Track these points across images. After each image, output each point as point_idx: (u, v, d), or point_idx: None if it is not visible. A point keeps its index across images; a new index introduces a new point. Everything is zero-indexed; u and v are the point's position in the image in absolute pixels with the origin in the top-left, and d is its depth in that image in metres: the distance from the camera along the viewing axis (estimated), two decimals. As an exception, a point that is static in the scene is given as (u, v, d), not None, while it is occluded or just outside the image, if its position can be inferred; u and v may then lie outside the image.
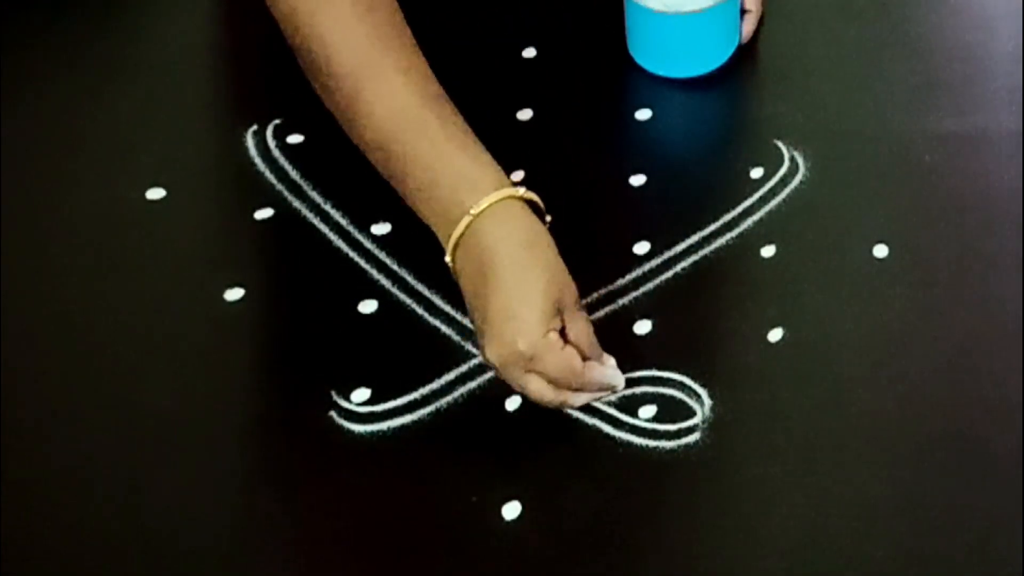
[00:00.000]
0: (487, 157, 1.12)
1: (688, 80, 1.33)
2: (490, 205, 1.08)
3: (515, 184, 1.11)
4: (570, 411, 1.11)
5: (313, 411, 1.12)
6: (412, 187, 1.12)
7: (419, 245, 1.21)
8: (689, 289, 1.19)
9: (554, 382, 1.08)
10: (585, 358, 1.10)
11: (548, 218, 1.12)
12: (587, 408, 1.11)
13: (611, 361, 1.12)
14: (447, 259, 1.10)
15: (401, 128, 1.12)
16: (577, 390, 1.10)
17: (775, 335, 1.15)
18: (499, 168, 1.11)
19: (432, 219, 1.11)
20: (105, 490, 1.08)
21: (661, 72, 1.33)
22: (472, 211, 1.08)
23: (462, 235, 1.08)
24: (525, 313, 1.06)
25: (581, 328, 1.10)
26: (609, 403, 1.11)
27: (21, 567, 1.04)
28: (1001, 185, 1.24)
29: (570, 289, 1.09)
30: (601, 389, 1.11)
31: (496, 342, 1.07)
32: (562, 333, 1.09)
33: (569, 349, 1.08)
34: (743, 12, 1.35)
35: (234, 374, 1.15)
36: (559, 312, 1.08)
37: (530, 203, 1.11)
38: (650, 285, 1.19)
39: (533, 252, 1.08)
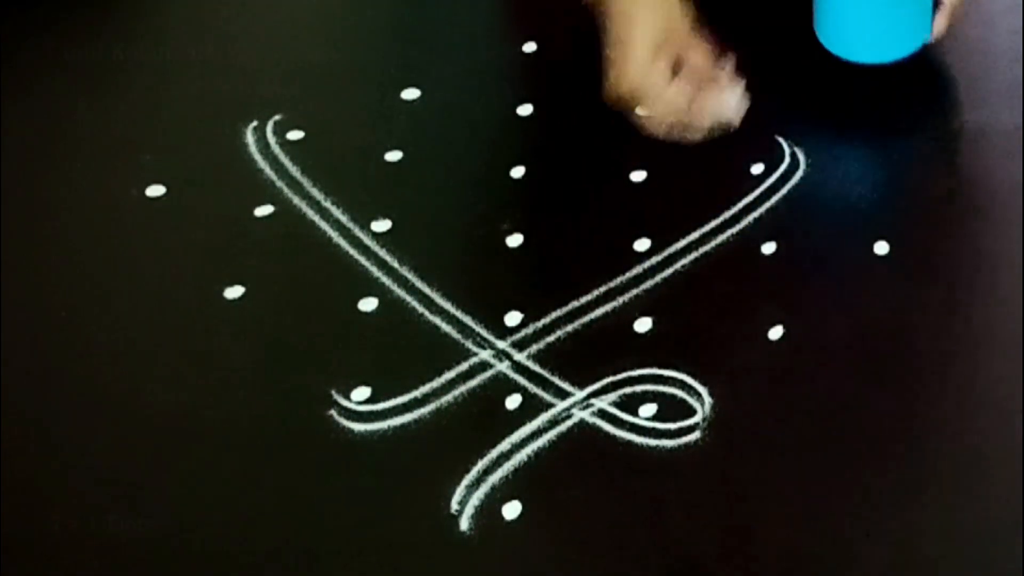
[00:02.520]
0: None
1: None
2: None
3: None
4: (570, 411, 1.11)
5: (313, 410, 1.12)
6: None
7: (420, 242, 1.22)
8: (689, 286, 1.19)
9: (667, 124, 1.18)
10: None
11: None
12: (587, 407, 1.11)
13: (732, 91, 1.22)
14: None
15: None
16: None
17: (776, 333, 1.15)
18: None
19: None
20: (105, 490, 1.08)
21: (846, 56, 1.31)
22: None
23: None
24: (630, 51, 1.17)
25: (694, 58, 1.18)
26: (610, 402, 1.11)
27: (21, 567, 1.04)
28: (1002, 182, 1.24)
29: (683, 27, 1.19)
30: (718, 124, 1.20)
31: (607, 79, 1.19)
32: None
33: (674, 88, 1.17)
34: (936, 4, 1.30)
35: (234, 372, 1.15)
36: (672, 49, 1.17)
37: None
38: (650, 282, 1.19)
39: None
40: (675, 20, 1.20)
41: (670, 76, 1.19)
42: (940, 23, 1.30)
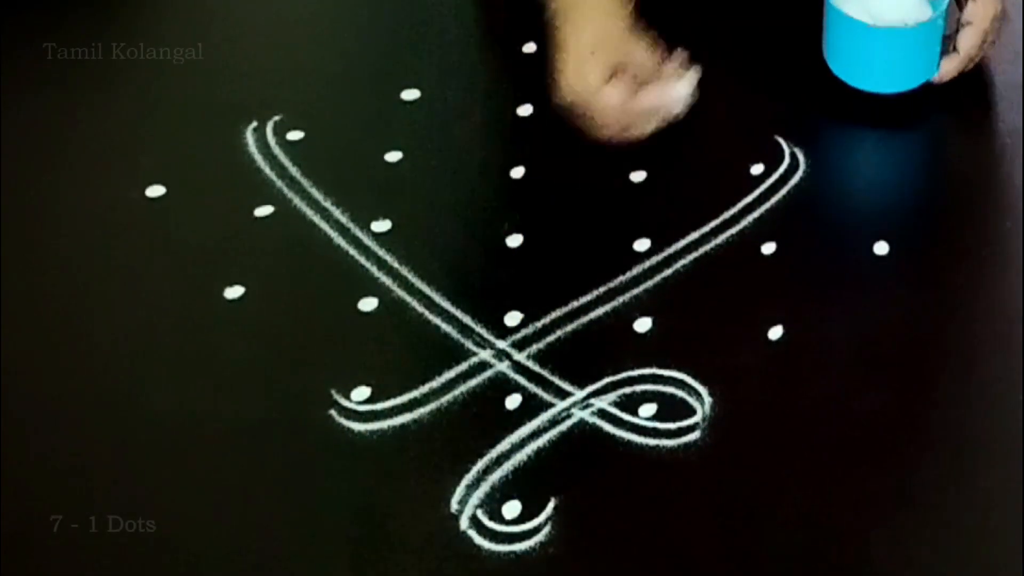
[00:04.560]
0: None
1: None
2: None
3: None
4: (570, 410, 1.11)
5: (313, 410, 1.12)
6: None
7: (420, 242, 1.22)
8: (689, 286, 1.19)
9: (606, 126, 1.18)
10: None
11: None
12: (587, 407, 1.11)
13: (679, 83, 1.21)
14: None
15: None
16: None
17: (775, 332, 1.15)
18: None
19: None
20: (105, 490, 1.08)
21: (854, 84, 1.30)
22: None
23: None
24: (566, 57, 1.17)
25: (636, 58, 1.19)
26: (610, 402, 1.11)
27: (21, 567, 1.04)
28: (1002, 183, 1.24)
29: (620, 30, 1.19)
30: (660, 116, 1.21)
31: (554, 88, 1.18)
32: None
33: (608, 88, 1.17)
34: (951, 43, 1.30)
35: (234, 373, 1.15)
36: (609, 51, 1.17)
37: None
38: (650, 282, 1.19)
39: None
40: (611, 24, 1.20)
41: (606, 77, 1.18)
42: (949, 67, 1.30)
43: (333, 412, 1.12)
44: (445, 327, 1.17)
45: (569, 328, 1.16)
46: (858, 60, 1.29)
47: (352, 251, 1.22)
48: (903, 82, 1.29)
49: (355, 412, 1.12)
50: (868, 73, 1.29)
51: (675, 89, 1.21)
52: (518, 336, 1.15)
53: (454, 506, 1.06)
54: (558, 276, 1.20)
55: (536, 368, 1.14)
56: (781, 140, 1.28)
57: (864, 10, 1.27)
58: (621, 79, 1.18)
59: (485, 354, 1.15)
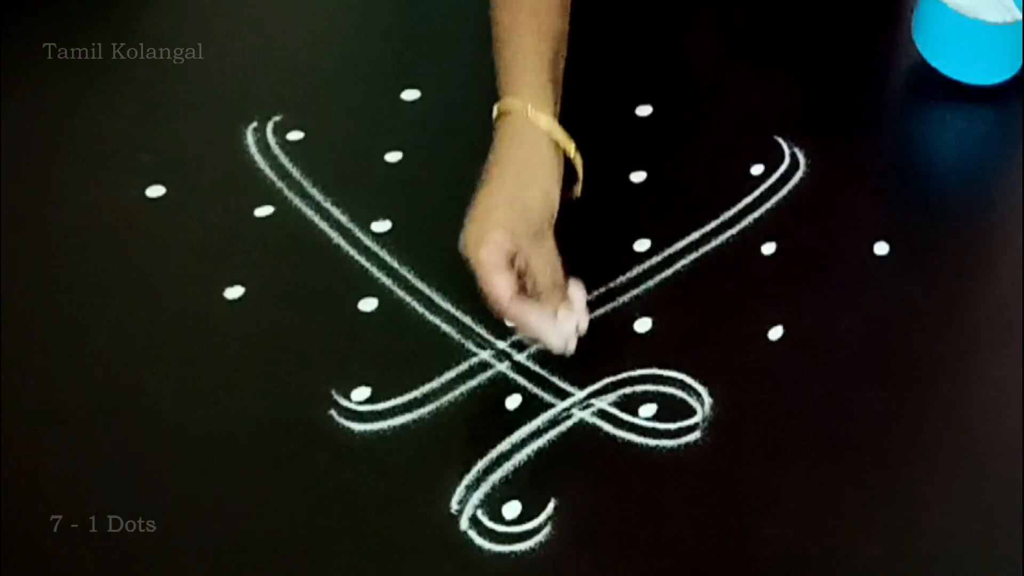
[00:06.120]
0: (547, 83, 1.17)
1: (685, 77, 1.33)
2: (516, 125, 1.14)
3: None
4: (570, 411, 1.11)
5: (313, 410, 1.12)
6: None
7: (420, 243, 1.22)
8: (689, 287, 1.19)
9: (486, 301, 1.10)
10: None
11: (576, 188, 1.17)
12: (587, 407, 1.11)
13: (563, 320, 1.11)
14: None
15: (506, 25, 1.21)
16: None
17: (775, 333, 1.15)
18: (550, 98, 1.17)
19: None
20: (105, 490, 1.08)
21: (947, 73, 1.31)
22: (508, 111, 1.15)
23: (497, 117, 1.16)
24: (477, 217, 1.10)
25: (534, 264, 1.10)
26: (610, 402, 1.11)
27: (21, 567, 1.04)
28: (1001, 183, 1.24)
29: (526, 223, 1.10)
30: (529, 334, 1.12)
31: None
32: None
33: (497, 278, 1.08)
34: None
35: (234, 373, 1.15)
36: (518, 240, 1.09)
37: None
38: (650, 283, 1.19)
39: (516, 176, 1.12)
40: (534, 211, 1.11)
41: (503, 263, 1.08)
42: None
43: (333, 412, 1.12)
44: (445, 327, 1.17)
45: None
46: (947, 48, 1.31)
47: (352, 251, 1.22)
48: (991, 75, 1.31)
49: (355, 412, 1.12)
50: (958, 63, 1.31)
51: (557, 325, 1.11)
52: (518, 336, 1.15)
53: (454, 506, 1.06)
54: (558, 276, 1.20)
55: (536, 368, 1.14)
56: (781, 140, 1.28)
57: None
58: (512, 273, 1.09)
59: (485, 354, 1.15)
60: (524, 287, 1.10)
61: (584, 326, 1.12)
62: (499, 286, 1.08)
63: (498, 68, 1.19)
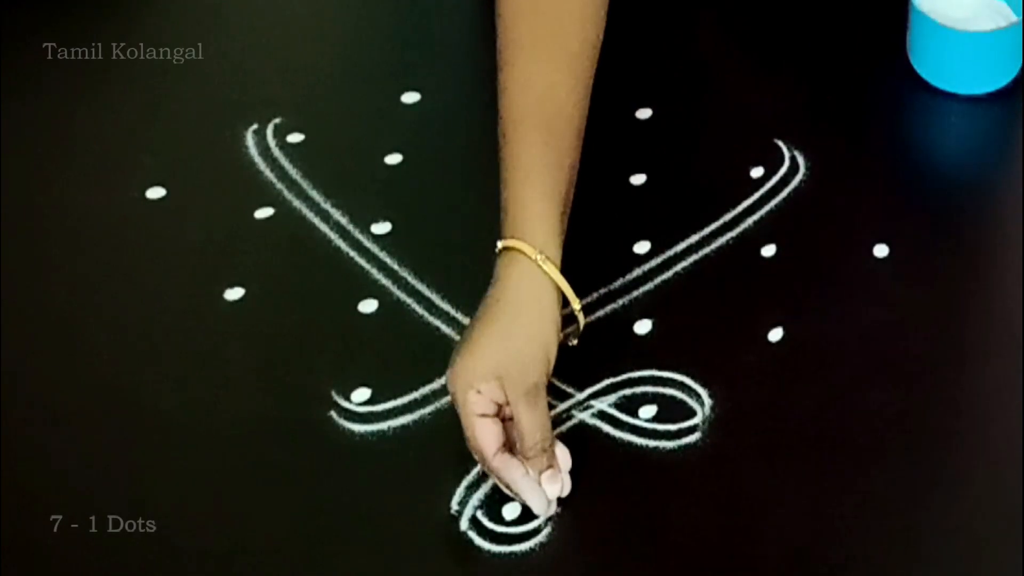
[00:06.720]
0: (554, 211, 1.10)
1: (686, 80, 1.33)
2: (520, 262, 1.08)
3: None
4: (570, 412, 1.11)
5: (313, 411, 1.12)
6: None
7: (419, 244, 1.22)
8: (689, 289, 1.19)
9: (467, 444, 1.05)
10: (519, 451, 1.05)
11: (574, 330, 1.11)
12: (587, 408, 1.11)
13: (548, 484, 1.04)
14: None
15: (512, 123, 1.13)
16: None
17: (775, 335, 1.15)
18: (556, 229, 1.10)
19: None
20: (105, 490, 1.08)
21: (938, 85, 1.31)
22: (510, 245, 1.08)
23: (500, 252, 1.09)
24: (466, 362, 1.05)
25: (524, 424, 1.04)
26: (610, 404, 1.11)
27: (21, 567, 1.04)
28: (1001, 184, 1.24)
29: (522, 377, 1.04)
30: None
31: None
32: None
33: (483, 428, 1.04)
34: None
35: (234, 374, 1.15)
36: (508, 392, 1.04)
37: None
38: (650, 285, 1.19)
39: (516, 321, 1.06)
40: (530, 367, 1.04)
41: (491, 415, 1.04)
42: None
43: (333, 413, 1.12)
44: (445, 329, 1.17)
45: (569, 330, 1.15)
46: (938, 61, 1.31)
47: (352, 253, 1.22)
48: (984, 84, 1.30)
49: (355, 413, 1.12)
50: (949, 74, 1.30)
51: (542, 488, 1.04)
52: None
53: (454, 507, 1.06)
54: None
55: (536, 369, 1.14)
56: (781, 143, 1.28)
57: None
58: (499, 425, 1.05)
59: (485, 355, 1.14)
60: (509, 441, 1.05)
61: (567, 491, 1.06)
62: (484, 438, 1.04)
63: (504, 179, 1.12)
